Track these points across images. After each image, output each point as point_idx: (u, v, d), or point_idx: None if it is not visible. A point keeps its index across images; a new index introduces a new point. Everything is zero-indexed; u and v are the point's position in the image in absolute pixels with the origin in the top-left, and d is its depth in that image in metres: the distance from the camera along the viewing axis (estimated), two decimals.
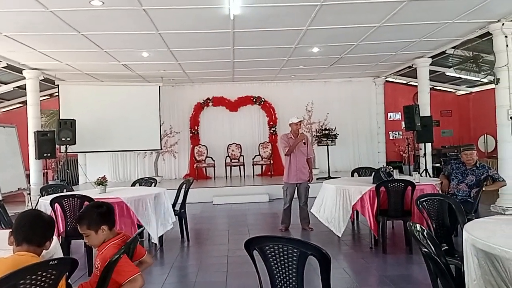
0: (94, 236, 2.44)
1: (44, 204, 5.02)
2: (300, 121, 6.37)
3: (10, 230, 2.12)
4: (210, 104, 12.50)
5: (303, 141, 6.24)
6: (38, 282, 1.84)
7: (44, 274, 1.86)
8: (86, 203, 4.59)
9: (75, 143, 9.63)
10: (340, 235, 5.50)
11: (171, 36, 7.27)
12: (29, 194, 9.03)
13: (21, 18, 6.04)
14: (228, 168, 11.87)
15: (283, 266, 2.18)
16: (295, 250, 2.12)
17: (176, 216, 6.06)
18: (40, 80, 9.90)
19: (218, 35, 7.26)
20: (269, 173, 11.75)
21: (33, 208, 7.55)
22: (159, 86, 11.35)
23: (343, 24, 6.94)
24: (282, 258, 2.16)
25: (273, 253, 2.19)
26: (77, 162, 12.09)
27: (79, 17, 6.06)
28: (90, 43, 7.42)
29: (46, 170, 10.85)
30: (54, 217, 4.74)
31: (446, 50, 9.00)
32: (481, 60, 7.68)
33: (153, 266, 5.00)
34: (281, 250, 2.15)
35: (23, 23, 6.25)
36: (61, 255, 2.65)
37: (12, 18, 6.01)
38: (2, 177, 8.16)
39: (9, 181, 8.42)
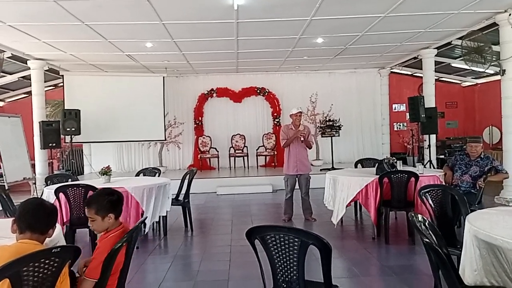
0: (100, 222, 2.46)
1: (49, 193, 5.06)
2: (300, 112, 6.29)
3: (13, 218, 2.14)
4: (214, 95, 12.49)
5: (302, 134, 6.18)
6: (41, 270, 1.86)
7: (47, 261, 1.89)
8: (91, 192, 4.63)
9: (79, 133, 9.69)
10: (335, 224, 5.57)
11: (174, 26, 7.24)
12: (34, 183, 9.09)
13: (25, 8, 6.03)
14: (232, 158, 11.89)
15: (284, 255, 2.19)
16: (296, 240, 2.13)
17: (180, 206, 6.12)
18: (45, 70, 9.92)
19: (222, 25, 7.23)
20: (273, 164, 11.74)
21: (37, 197, 7.61)
22: (163, 77, 11.35)
23: (348, 14, 6.89)
24: (283, 247, 2.17)
25: (274, 242, 2.20)
26: (82, 152, 12.15)
27: (82, 6, 6.05)
28: (93, 33, 7.40)
29: (51, 160, 10.92)
30: (59, 206, 4.82)
31: (451, 41, 8.93)
32: (489, 52, 7.60)
33: (157, 254, 5.08)
34: (282, 239, 2.16)
35: (27, 13, 6.24)
36: (65, 243, 2.67)
37: (16, 7, 6.01)
38: (8, 167, 8.21)
39: (14, 170, 8.46)
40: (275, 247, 2.20)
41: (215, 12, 6.53)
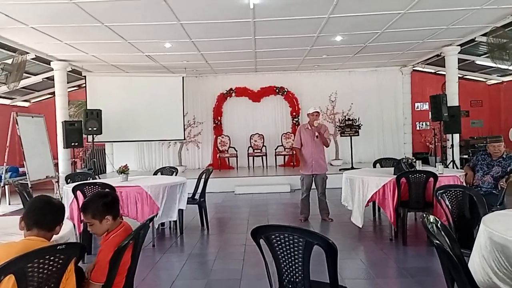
0: (98, 225, 2.47)
1: (67, 191, 5.16)
2: (316, 112, 6.23)
3: (22, 215, 2.18)
4: (233, 94, 12.51)
5: (315, 134, 6.14)
6: (46, 266, 1.89)
7: (52, 258, 1.91)
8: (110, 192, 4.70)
9: (101, 133, 9.85)
10: (360, 226, 5.47)
11: (192, 27, 7.28)
12: (57, 182, 9.31)
13: (45, 10, 6.17)
14: (251, 158, 11.89)
15: (289, 255, 2.16)
16: (300, 240, 2.09)
17: (196, 205, 6.15)
18: (68, 71, 10.14)
19: (239, 24, 7.23)
20: (292, 163, 11.68)
21: (59, 195, 7.80)
22: (183, 77, 11.45)
23: (367, 11, 6.77)
24: (288, 247, 2.15)
25: (279, 242, 2.17)
26: (104, 151, 12.38)
27: (101, 8, 6.14)
28: (113, 34, 7.52)
29: (74, 159, 11.17)
30: (76, 204, 4.91)
31: (475, 38, 8.66)
32: None
33: (172, 253, 5.11)
34: (286, 239, 2.13)
35: (48, 15, 6.38)
36: (75, 240, 2.71)
37: (37, 9, 6.14)
38: (31, 165, 8.42)
39: (37, 169, 8.69)
40: (280, 247, 2.17)
41: (231, 12, 6.53)
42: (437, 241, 2.18)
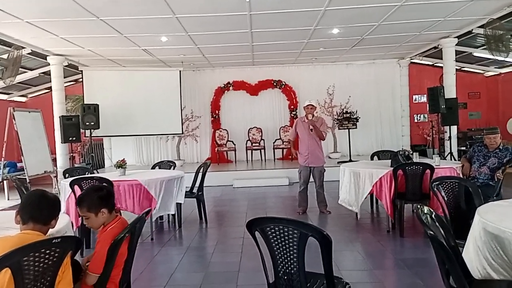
0: (94, 218, 2.49)
1: (65, 186, 5.17)
2: (311, 105, 6.18)
3: (17, 209, 2.18)
4: (231, 88, 12.49)
5: (312, 123, 6.15)
6: (42, 260, 1.89)
7: (47, 251, 1.91)
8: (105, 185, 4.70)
9: (98, 128, 9.85)
10: (357, 213, 5.63)
11: (188, 20, 7.25)
12: (56, 176, 9.31)
13: (41, 5, 6.14)
14: (249, 151, 11.89)
15: (284, 247, 2.17)
16: (295, 231, 2.10)
17: (194, 199, 6.16)
18: (65, 66, 10.10)
19: (235, 17, 7.19)
20: (290, 156, 11.66)
21: (57, 189, 7.80)
22: (180, 71, 11.41)
23: (363, 3, 6.75)
24: (283, 239, 2.16)
25: (274, 234, 2.18)
26: (102, 146, 12.38)
27: (96, 2, 6.11)
28: (109, 28, 7.48)
29: (72, 154, 11.16)
30: (74, 198, 4.91)
31: (472, 30, 8.65)
32: (511, 40, 7.35)
33: (170, 246, 5.13)
34: (281, 231, 2.14)
35: (43, 9, 6.35)
36: (73, 234, 2.72)
37: (32, 4, 6.11)
38: (29, 160, 8.42)
39: (35, 164, 8.70)
40: (275, 239, 2.18)
41: (227, 4, 6.50)
42: (431, 232, 2.19)
